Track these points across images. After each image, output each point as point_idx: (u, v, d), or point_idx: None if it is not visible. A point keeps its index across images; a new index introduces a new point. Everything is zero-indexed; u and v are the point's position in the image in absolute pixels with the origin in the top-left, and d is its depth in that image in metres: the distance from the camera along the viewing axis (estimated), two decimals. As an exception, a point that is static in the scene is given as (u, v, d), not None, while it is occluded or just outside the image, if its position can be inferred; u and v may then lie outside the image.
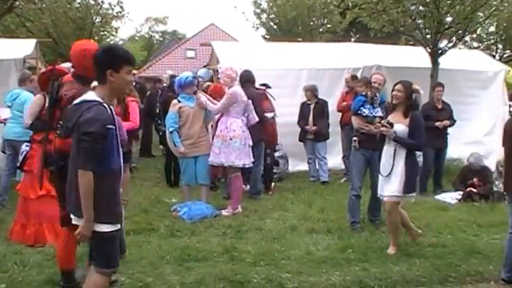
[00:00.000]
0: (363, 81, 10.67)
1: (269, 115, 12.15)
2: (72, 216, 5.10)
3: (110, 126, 4.88)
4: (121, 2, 21.59)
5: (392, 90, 8.19)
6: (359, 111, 9.37)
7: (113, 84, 4.94)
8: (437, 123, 12.33)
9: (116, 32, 23.36)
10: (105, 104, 4.93)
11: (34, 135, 7.75)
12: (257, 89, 12.19)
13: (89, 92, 5.14)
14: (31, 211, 8.19)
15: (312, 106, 13.52)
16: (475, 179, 12.09)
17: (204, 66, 17.72)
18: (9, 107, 10.41)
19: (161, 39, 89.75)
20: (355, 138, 9.36)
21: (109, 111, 4.96)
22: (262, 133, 11.62)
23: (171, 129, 10.42)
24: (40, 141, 6.87)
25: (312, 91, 13.39)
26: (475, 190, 11.89)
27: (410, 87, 8.08)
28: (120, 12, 21.68)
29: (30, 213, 8.21)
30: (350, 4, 17.92)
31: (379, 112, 9.38)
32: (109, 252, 5.06)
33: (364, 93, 9.69)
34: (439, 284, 7.24)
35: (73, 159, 4.97)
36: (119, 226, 5.08)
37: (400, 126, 8.00)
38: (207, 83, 14.09)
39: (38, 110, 7.52)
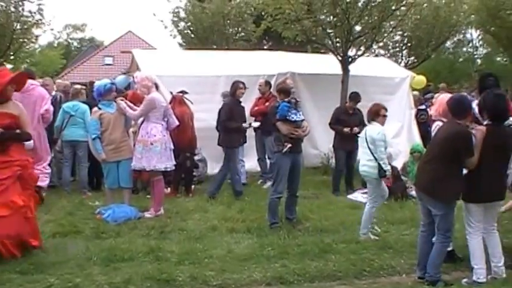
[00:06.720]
0: (278, 89, 10.79)
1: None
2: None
3: None
4: (41, 10, 21.22)
5: None
6: (287, 117, 9.59)
7: None
8: (345, 129, 12.79)
9: (36, 39, 23.08)
10: None
11: None
12: (174, 95, 12.59)
13: None
14: None
15: (229, 111, 13.71)
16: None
17: (124, 73, 17.68)
18: None
19: (79, 46, 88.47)
20: (290, 144, 9.48)
21: None
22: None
23: (93, 136, 10.58)
24: None
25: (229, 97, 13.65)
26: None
27: None
28: (41, 20, 21.38)
29: None
30: (263, 14, 18.25)
31: (302, 115, 9.82)
32: None
33: (287, 99, 9.82)
34: (354, 277, 7.60)
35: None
36: None
37: None
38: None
39: None
